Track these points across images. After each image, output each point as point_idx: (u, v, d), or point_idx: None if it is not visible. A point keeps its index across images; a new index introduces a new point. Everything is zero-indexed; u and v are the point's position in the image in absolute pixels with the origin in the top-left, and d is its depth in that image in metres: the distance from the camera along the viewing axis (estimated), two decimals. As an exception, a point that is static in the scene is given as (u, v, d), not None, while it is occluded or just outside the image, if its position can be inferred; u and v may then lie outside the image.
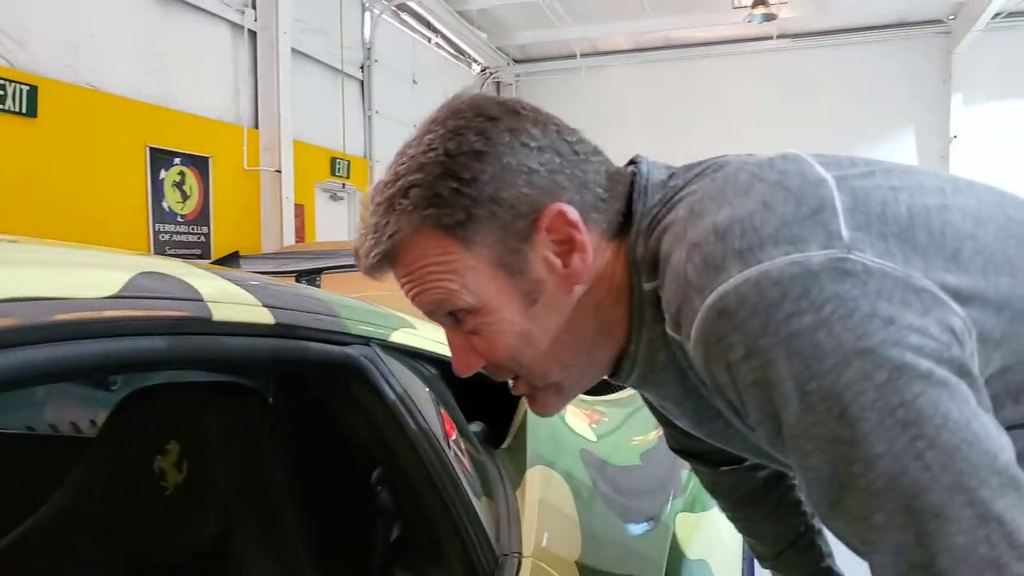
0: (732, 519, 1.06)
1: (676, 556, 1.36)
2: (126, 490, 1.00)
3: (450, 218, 0.61)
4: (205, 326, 0.67)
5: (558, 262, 0.64)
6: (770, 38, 10.44)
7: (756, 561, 1.08)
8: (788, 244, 0.53)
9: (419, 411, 0.91)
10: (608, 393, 1.66)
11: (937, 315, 0.51)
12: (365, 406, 0.88)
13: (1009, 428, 0.51)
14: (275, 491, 0.99)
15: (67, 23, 5.01)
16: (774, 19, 8.91)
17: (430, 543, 0.89)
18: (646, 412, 0.98)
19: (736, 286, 0.52)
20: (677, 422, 0.78)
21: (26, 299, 0.53)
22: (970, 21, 9.28)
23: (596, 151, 0.68)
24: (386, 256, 0.64)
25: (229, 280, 0.75)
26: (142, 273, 0.64)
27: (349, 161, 8.22)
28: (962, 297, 0.53)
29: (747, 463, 0.98)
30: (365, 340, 0.89)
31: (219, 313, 0.68)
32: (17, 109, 4.65)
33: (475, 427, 1.21)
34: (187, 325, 0.65)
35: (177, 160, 5.95)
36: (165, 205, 5.86)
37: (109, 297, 0.59)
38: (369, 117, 8.82)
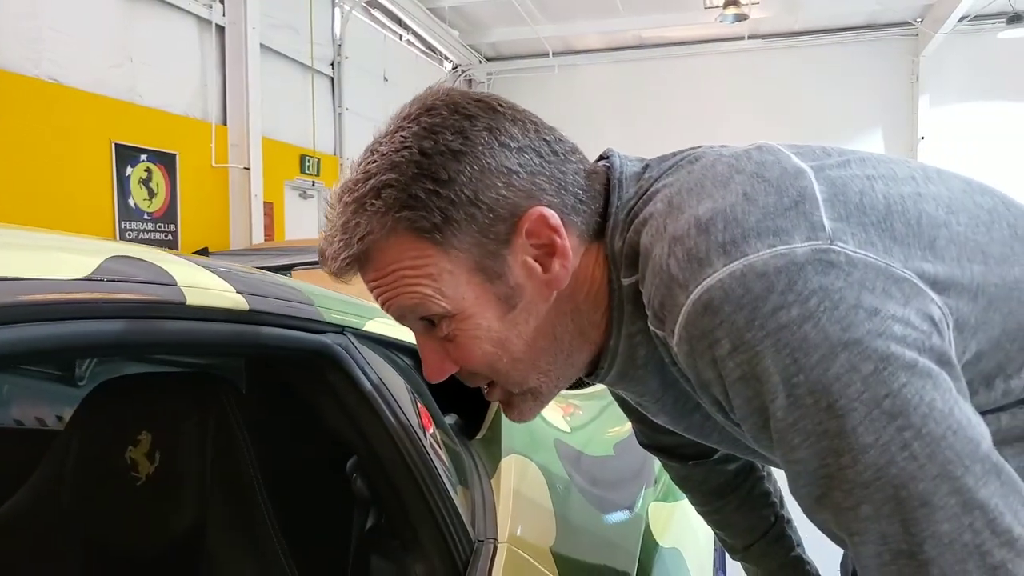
0: (702, 513, 1.06)
1: (649, 544, 1.37)
2: (97, 480, 0.98)
3: (426, 221, 0.59)
4: (179, 310, 0.65)
5: (538, 267, 0.62)
6: (741, 38, 10.54)
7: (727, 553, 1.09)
8: (772, 236, 0.52)
9: (394, 399, 0.91)
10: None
11: (917, 304, 0.51)
12: (340, 394, 0.87)
13: (983, 413, 0.52)
14: (249, 480, 0.98)
15: (28, 16, 4.89)
16: (746, 19, 8.99)
17: (406, 529, 0.89)
18: (619, 405, 0.99)
19: (721, 280, 0.52)
20: (655, 419, 0.77)
21: (-9, 279, 0.51)
22: (937, 24, 9.43)
23: (574, 150, 0.66)
24: (356, 259, 0.61)
25: (203, 267, 0.74)
26: (113, 257, 0.63)
27: (319, 159, 8.14)
28: (939, 286, 0.54)
29: (716, 456, 0.99)
30: (340, 328, 0.88)
31: (193, 298, 0.67)
32: (-25, 103, 4.53)
33: (449, 419, 1.21)
34: (160, 308, 0.63)
35: (143, 157, 5.83)
36: (131, 203, 5.75)
37: (79, 280, 0.57)
38: (339, 114, 8.76)
